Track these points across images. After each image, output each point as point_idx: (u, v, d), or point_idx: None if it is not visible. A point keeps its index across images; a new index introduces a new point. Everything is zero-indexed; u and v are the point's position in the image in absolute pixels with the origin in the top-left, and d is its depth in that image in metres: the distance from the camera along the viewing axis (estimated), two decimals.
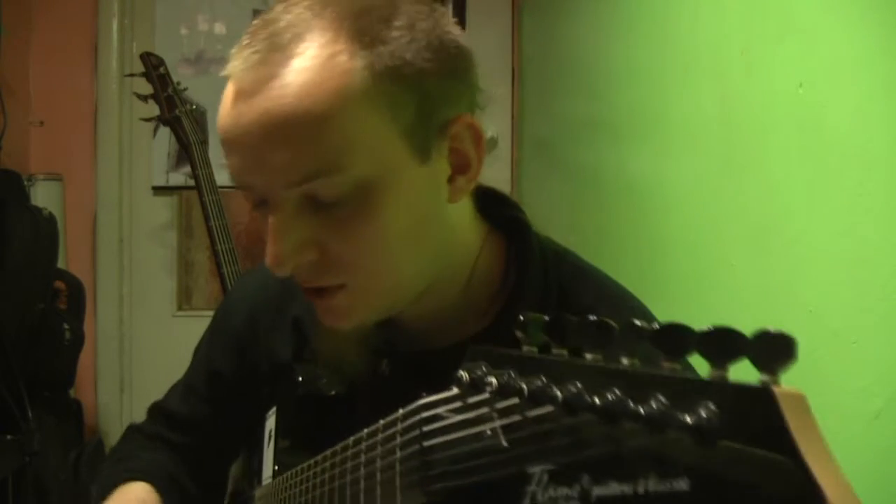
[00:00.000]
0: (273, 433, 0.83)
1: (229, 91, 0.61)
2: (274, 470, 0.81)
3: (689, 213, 1.12)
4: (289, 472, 0.74)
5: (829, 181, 0.79)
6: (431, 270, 0.69)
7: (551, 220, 1.70)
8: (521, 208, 0.77)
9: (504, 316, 0.71)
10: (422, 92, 0.62)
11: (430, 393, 0.73)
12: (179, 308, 2.56)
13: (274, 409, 0.84)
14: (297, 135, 0.58)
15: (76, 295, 2.12)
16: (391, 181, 0.62)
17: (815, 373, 0.79)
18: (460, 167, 0.66)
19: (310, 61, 0.58)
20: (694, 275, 1.10)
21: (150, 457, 0.92)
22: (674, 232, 1.18)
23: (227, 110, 0.61)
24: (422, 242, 0.66)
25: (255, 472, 0.90)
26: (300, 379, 0.76)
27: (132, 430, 0.98)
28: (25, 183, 2.13)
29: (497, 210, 0.73)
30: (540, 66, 2.15)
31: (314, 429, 0.77)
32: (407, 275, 0.67)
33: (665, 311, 0.95)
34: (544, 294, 0.72)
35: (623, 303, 0.76)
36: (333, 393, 0.76)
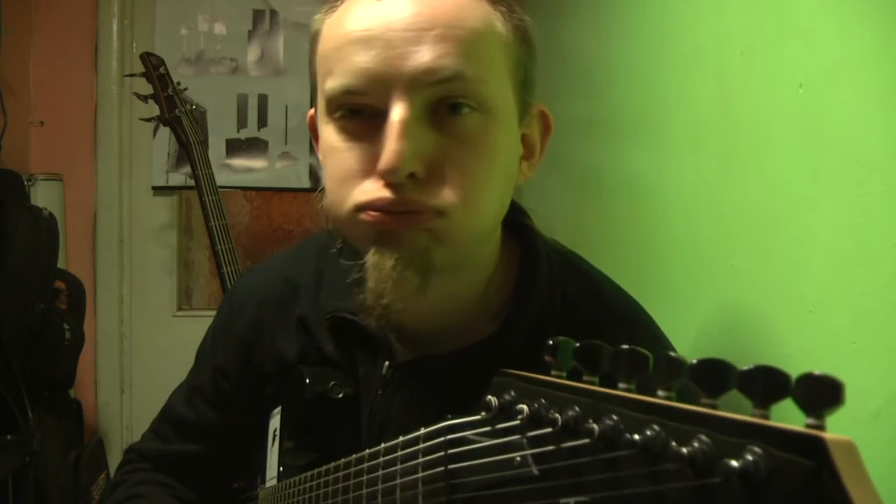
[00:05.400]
0: (278, 433, 0.82)
1: None
2: (279, 471, 0.81)
3: (690, 212, 1.12)
4: (296, 478, 0.73)
5: (829, 181, 0.79)
6: (490, 246, 0.70)
7: (552, 219, 1.70)
8: (528, 213, 0.76)
9: (508, 325, 0.71)
10: (527, 64, 0.68)
11: (432, 397, 0.72)
12: (179, 308, 2.56)
13: (279, 408, 0.83)
14: (452, 36, 0.60)
15: (76, 295, 2.12)
16: (504, 122, 0.65)
17: None
18: (527, 153, 0.69)
19: None
20: (694, 274, 1.10)
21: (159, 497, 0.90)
22: (674, 232, 1.18)
23: (367, 7, 0.61)
24: (503, 200, 0.68)
25: (258, 469, 0.90)
26: (308, 381, 0.75)
27: (134, 455, 0.95)
28: (25, 183, 2.13)
29: (508, 215, 0.73)
30: (539, 66, 2.14)
31: (320, 431, 0.76)
32: (488, 224, 0.67)
33: (666, 310, 0.95)
34: (548, 305, 0.72)
35: (633, 319, 0.75)
36: (341, 396, 0.75)
